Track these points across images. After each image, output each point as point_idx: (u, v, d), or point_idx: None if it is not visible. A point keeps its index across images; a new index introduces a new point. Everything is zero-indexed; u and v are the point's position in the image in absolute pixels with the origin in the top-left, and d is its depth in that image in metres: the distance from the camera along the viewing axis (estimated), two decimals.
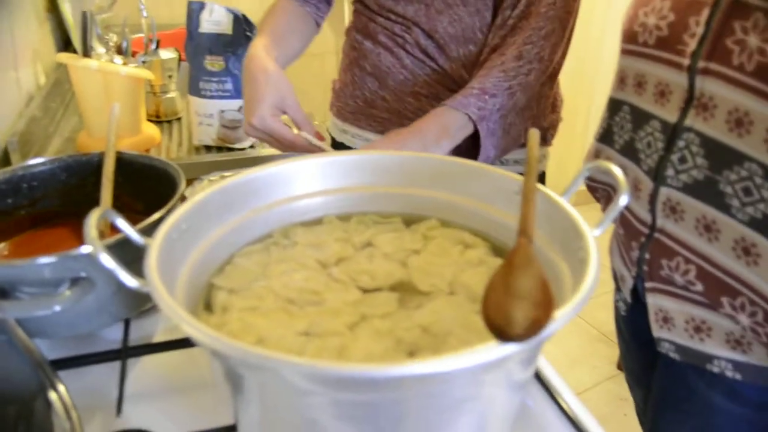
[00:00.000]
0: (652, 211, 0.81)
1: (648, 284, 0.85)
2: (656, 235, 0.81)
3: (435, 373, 0.40)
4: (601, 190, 0.97)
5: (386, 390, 0.44)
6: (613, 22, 3.04)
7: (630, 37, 0.83)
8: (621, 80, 0.87)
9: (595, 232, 0.55)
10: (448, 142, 0.94)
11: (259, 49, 1.00)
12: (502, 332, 0.41)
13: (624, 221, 0.88)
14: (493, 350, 0.41)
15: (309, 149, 0.95)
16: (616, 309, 1.03)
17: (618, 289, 0.98)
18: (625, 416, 2.08)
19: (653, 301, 0.84)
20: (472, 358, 0.40)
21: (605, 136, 0.91)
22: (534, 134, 0.66)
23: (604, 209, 0.97)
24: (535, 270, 0.46)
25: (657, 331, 0.85)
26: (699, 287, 0.77)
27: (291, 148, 0.97)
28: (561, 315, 0.43)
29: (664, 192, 0.78)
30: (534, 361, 0.54)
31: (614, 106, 0.89)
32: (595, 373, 2.31)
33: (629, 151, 0.85)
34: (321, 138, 0.98)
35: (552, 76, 1.06)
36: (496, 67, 0.97)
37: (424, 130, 0.93)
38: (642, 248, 0.84)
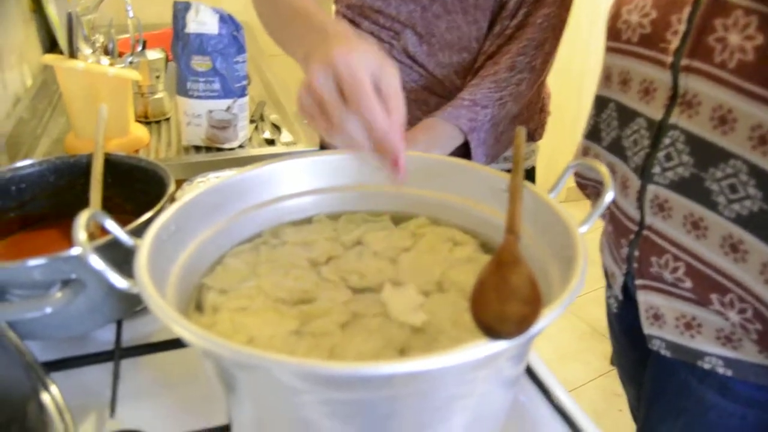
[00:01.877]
0: (641, 208, 0.81)
1: (638, 281, 0.85)
2: (645, 232, 0.82)
3: (425, 371, 0.40)
4: (590, 187, 0.98)
5: (378, 388, 0.44)
6: (601, 17, 3.05)
7: (614, 34, 0.84)
8: (606, 77, 0.87)
9: (582, 229, 0.56)
10: (438, 152, 0.95)
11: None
12: (491, 330, 0.41)
13: (613, 218, 0.88)
14: (483, 348, 0.41)
15: (377, 150, 0.60)
16: (608, 306, 1.03)
17: (609, 286, 0.98)
18: (620, 412, 2.08)
19: (644, 298, 0.84)
20: (462, 356, 0.40)
21: (592, 134, 0.92)
22: (520, 132, 0.66)
23: (594, 206, 0.98)
24: (522, 267, 0.47)
25: (648, 328, 0.85)
26: (688, 284, 0.77)
27: (352, 131, 0.59)
28: (549, 312, 0.44)
29: (651, 189, 0.79)
30: (524, 358, 0.55)
31: (600, 103, 0.90)
32: (588, 369, 2.32)
33: (616, 149, 0.85)
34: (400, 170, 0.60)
35: (541, 83, 1.06)
36: (488, 77, 0.98)
37: (414, 139, 0.94)
38: (631, 245, 0.85)
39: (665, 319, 0.82)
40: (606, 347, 2.38)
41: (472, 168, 0.68)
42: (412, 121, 1.09)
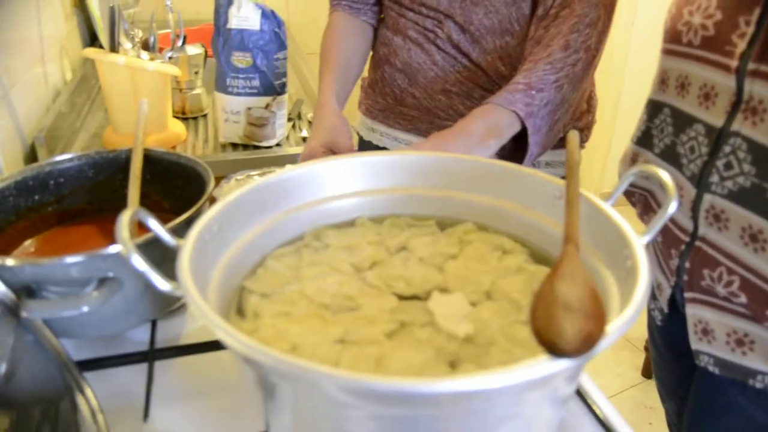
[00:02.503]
0: (694, 218, 0.77)
1: (687, 294, 0.81)
2: (697, 243, 0.78)
3: (481, 390, 0.38)
4: (638, 195, 0.94)
5: (426, 406, 0.42)
6: (641, 14, 2.99)
7: (673, 36, 0.80)
8: (662, 81, 0.84)
9: (643, 240, 0.53)
10: (495, 141, 0.88)
11: (325, 87, 1.07)
12: (553, 347, 0.39)
13: (662, 228, 0.83)
14: (543, 366, 0.39)
15: None
16: (650, 317, 1.00)
17: (654, 298, 0.94)
18: (651, 425, 2.04)
19: (692, 311, 0.81)
20: (521, 374, 0.38)
21: (643, 140, 0.88)
22: (573, 136, 0.63)
23: (639, 214, 0.94)
24: (584, 279, 0.44)
25: (696, 344, 0.81)
26: (742, 299, 0.74)
27: None
28: (614, 328, 0.41)
29: (707, 199, 0.75)
30: (578, 377, 0.52)
31: (654, 108, 0.86)
32: (619, 381, 2.27)
33: (670, 156, 0.82)
34: None
35: (595, 67, 1.01)
36: (542, 59, 0.92)
37: (469, 130, 0.87)
38: (682, 257, 0.81)
39: (715, 334, 0.79)
40: (638, 358, 2.33)
41: (523, 172, 0.65)
42: (454, 115, 1.07)
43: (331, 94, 1.06)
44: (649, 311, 0.99)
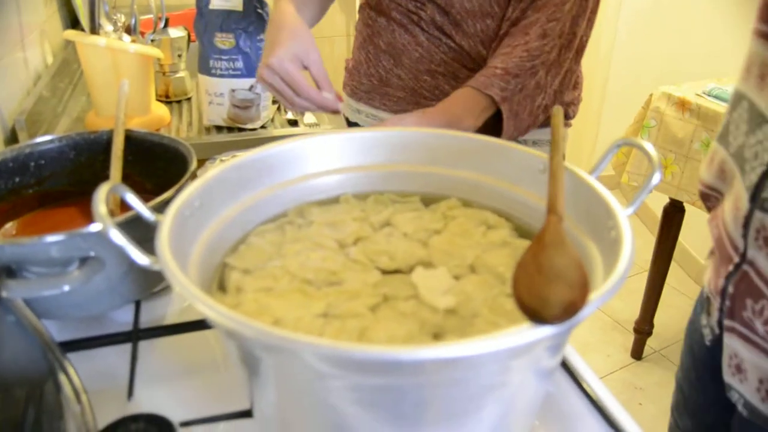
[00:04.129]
0: (745, 236, 0.68)
1: (727, 322, 0.71)
2: (745, 267, 0.68)
3: (464, 357, 0.38)
4: (713, 199, 0.80)
5: (410, 374, 0.42)
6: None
7: (766, 16, 0.67)
8: (746, 69, 0.71)
9: (627, 211, 0.53)
10: (471, 123, 0.93)
11: (285, 4, 0.97)
12: (536, 314, 0.39)
13: (719, 241, 0.74)
14: (526, 333, 0.39)
15: (320, 108, 0.92)
16: (694, 337, 0.87)
17: (708, 314, 0.81)
18: (640, 405, 2.06)
19: (729, 342, 0.71)
20: (504, 341, 0.38)
21: (723, 135, 0.75)
22: (558, 111, 0.63)
23: (709, 220, 0.80)
24: (568, 249, 0.44)
25: (728, 377, 0.73)
26: None
27: (301, 104, 0.92)
28: (597, 297, 0.41)
29: (758, 217, 0.65)
30: (562, 348, 0.52)
31: (735, 99, 0.73)
32: (609, 362, 2.29)
33: (739, 158, 0.70)
34: (340, 99, 0.93)
35: (579, 50, 1.02)
36: (519, 46, 0.95)
37: (448, 110, 0.92)
38: (728, 278, 0.71)
39: (747, 375, 0.70)
40: (627, 340, 2.35)
41: (507, 147, 0.65)
42: (440, 96, 1.07)
43: (288, 3, 0.97)
44: (697, 327, 0.86)
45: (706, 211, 0.82)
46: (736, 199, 0.69)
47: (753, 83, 0.68)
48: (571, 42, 0.97)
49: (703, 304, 0.83)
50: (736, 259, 0.69)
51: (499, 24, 1.01)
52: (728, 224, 0.70)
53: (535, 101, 0.97)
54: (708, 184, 0.78)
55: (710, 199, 0.80)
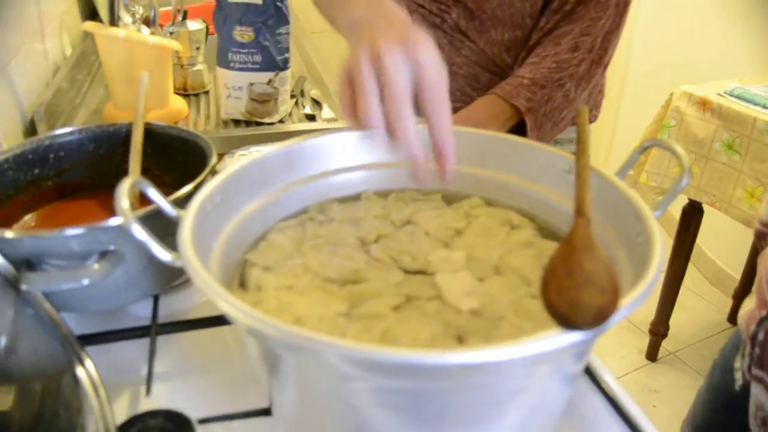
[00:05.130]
0: None
1: (755, 371, 0.68)
2: None
3: (491, 362, 0.37)
4: None
5: (434, 378, 0.41)
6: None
7: None
8: None
9: (655, 214, 0.52)
10: (494, 131, 0.91)
11: None
12: (566, 319, 0.38)
13: (759, 283, 0.70)
14: (555, 339, 0.38)
15: (409, 167, 0.57)
16: (726, 379, 0.81)
17: (742, 356, 0.76)
18: (654, 408, 2.04)
19: (756, 392, 0.68)
20: (532, 347, 0.37)
21: None
22: (584, 111, 0.62)
23: (759, 260, 0.76)
24: (598, 252, 0.43)
25: (755, 428, 0.70)
26: None
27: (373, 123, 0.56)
28: (628, 301, 0.40)
29: None
30: (587, 355, 0.51)
31: None
32: (623, 363, 2.27)
33: None
34: (443, 177, 0.57)
35: (606, 65, 1.01)
36: (549, 56, 0.94)
37: (472, 117, 0.91)
38: (760, 324, 0.67)
39: None
40: (641, 341, 2.33)
41: (532, 146, 0.64)
42: (462, 98, 1.05)
43: None
44: (729, 368, 0.80)
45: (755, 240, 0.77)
46: None
47: None
48: (602, 58, 0.97)
49: (735, 343, 0.80)
50: None
51: (528, 34, 1.00)
52: None
53: (561, 113, 0.96)
54: (765, 222, 0.75)
55: (765, 238, 0.76)
